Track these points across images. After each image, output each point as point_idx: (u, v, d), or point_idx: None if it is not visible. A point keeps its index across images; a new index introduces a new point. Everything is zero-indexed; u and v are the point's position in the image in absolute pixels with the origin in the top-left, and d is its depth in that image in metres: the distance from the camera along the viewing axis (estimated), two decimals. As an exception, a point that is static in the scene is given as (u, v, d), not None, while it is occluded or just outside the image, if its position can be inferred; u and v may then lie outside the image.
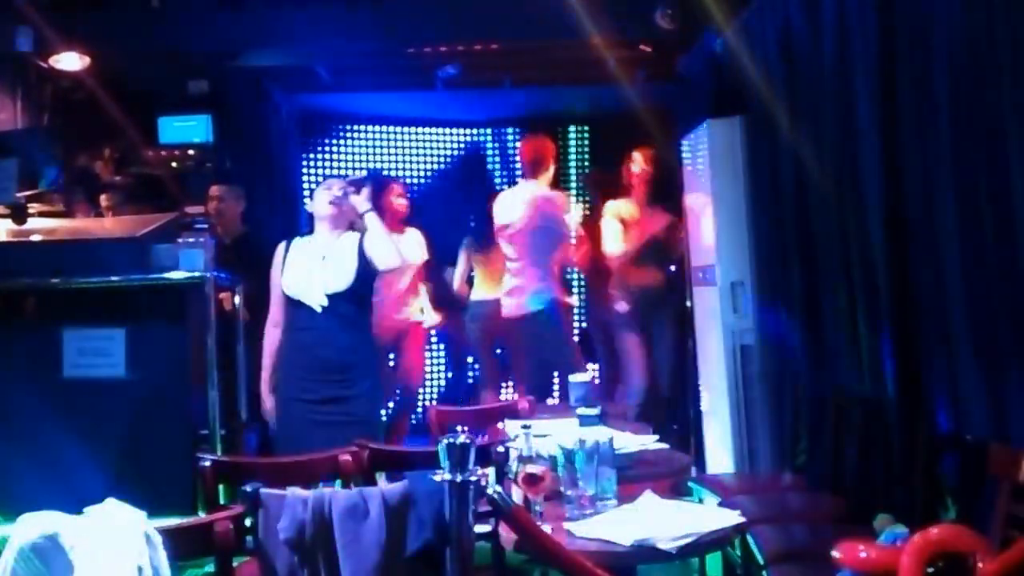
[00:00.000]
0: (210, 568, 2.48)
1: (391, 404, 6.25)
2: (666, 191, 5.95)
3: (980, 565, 2.33)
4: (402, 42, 5.85)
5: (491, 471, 3.23)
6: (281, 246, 4.25)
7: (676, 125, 5.91)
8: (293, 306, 4.12)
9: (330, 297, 4.06)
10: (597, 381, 6.15)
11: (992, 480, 2.80)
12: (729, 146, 5.07)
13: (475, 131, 7.64)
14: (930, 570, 2.37)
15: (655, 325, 6.00)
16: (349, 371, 4.08)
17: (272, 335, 4.20)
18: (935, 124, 3.15)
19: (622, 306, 5.99)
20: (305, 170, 7.16)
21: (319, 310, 4.05)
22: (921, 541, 2.40)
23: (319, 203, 4.24)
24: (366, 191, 4.16)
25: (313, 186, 6.88)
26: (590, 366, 6.36)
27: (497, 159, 7.69)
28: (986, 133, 2.89)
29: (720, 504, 3.62)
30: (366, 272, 4.12)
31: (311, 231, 4.31)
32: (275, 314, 4.21)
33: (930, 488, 3.19)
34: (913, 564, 2.37)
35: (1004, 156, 2.77)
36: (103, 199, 5.90)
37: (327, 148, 7.32)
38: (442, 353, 7.53)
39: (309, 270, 4.11)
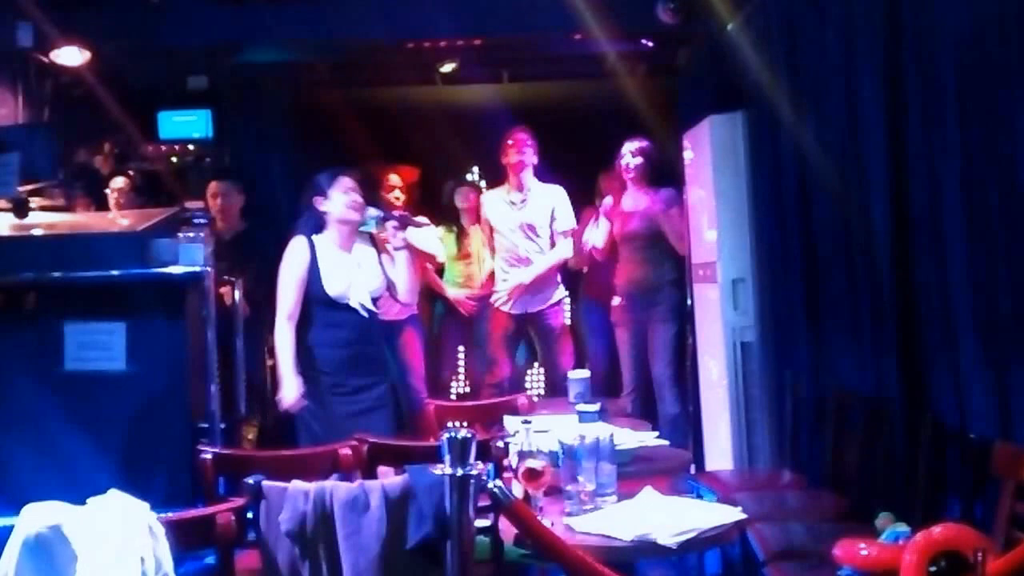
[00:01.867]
0: (211, 560, 2.48)
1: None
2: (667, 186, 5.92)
3: (983, 565, 2.32)
4: (401, 37, 5.84)
5: (489, 467, 3.24)
6: (303, 243, 4.15)
7: (678, 120, 5.90)
8: (330, 306, 4.15)
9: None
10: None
11: (996, 479, 2.79)
12: (731, 141, 5.07)
13: (475, 126, 7.61)
14: (932, 569, 2.35)
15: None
16: (380, 360, 4.37)
17: (287, 328, 4.13)
18: (941, 119, 3.14)
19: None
20: (304, 168, 7.12)
21: (365, 314, 4.20)
22: (923, 540, 2.38)
23: (336, 205, 4.17)
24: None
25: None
26: None
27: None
28: (994, 128, 2.87)
29: (719, 501, 3.61)
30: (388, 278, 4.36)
31: (322, 228, 4.21)
32: (291, 309, 4.13)
33: (932, 486, 3.17)
34: (915, 563, 2.35)
35: (1012, 151, 2.76)
36: (116, 181, 5.92)
37: (326, 144, 7.28)
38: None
39: (349, 273, 4.19)
